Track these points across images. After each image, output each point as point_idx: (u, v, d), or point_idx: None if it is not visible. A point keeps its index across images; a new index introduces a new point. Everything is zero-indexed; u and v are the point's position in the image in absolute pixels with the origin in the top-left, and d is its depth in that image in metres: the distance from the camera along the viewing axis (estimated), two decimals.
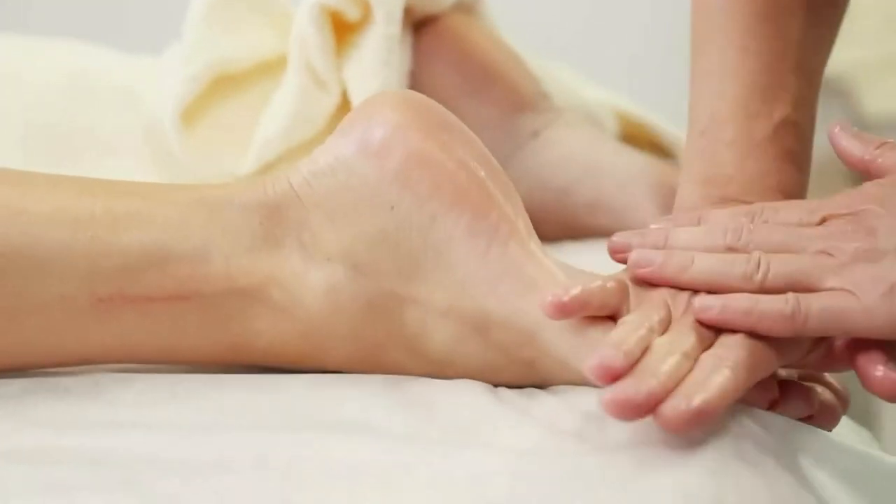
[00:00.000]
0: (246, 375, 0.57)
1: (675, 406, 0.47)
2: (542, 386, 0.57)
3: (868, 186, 0.57)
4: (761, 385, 0.53)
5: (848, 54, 2.17)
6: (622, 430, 0.50)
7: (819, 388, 0.56)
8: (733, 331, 0.52)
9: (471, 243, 0.55)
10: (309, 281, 0.56)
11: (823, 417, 0.56)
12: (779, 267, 0.54)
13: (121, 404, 0.55)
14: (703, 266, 0.55)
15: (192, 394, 0.55)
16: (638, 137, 0.90)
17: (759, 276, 0.54)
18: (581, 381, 0.54)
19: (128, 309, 0.56)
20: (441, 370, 0.57)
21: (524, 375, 0.56)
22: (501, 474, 0.47)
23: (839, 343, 0.54)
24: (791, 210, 0.57)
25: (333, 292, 0.56)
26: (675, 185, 0.75)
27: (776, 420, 0.53)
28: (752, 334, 0.52)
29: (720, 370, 0.49)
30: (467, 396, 0.54)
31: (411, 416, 0.53)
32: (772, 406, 0.54)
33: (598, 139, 0.78)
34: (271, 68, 0.75)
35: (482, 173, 0.56)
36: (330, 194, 0.56)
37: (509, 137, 0.63)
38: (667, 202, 0.75)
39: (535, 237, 0.57)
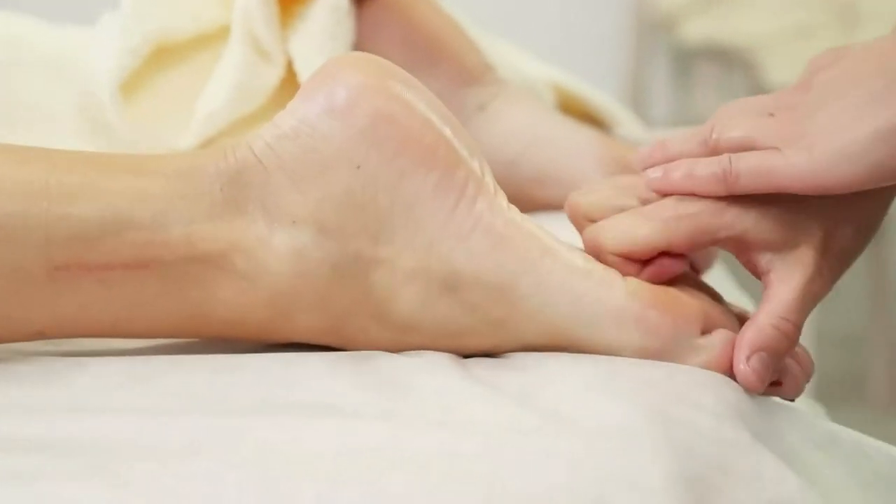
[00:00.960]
0: (203, 356, 0.56)
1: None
2: (509, 349, 0.57)
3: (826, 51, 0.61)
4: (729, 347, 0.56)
5: (751, 26, 2.21)
6: (597, 409, 0.50)
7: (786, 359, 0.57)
8: None
9: (439, 201, 0.55)
10: (274, 246, 0.55)
11: (789, 386, 0.57)
12: (729, 130, 0.59)
13: (78, 388, 0.53)
14: (678, 147, 0.61)
15: (150, 376, 0.54)
16: (573, 109, 0.90)
17: (712, 141, 0.59)
18: (551, 337, 0.56)
19: (85, 277, 0.54)
20: (407, 336, 0.56)
21: (493, 336, 0.56)
22: (482, 455, 0.46)
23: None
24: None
25: (299, 257, 0.55)
26: (619, 157, 0.75)
27: (750, 396, 0.53)
28: None
29: None
30: (437, 373, 0.54)
31: (382, 395, 0.52)
32: None
33: (543, 112, 0.78)
34: (212, 40, 0.73)
35: (448, 131, 0.56)
36: (294, 157, 0.55)
37: (456, 111, 0.62)
38: (613, 174, 0.75)
39: (503, 193, 0.57)
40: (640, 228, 0.57)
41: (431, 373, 0.54)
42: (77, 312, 0.55)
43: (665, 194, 0.59)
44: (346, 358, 0.55)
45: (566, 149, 0.75)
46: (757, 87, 2.26)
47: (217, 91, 0.71)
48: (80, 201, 0.54)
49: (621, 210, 0.60)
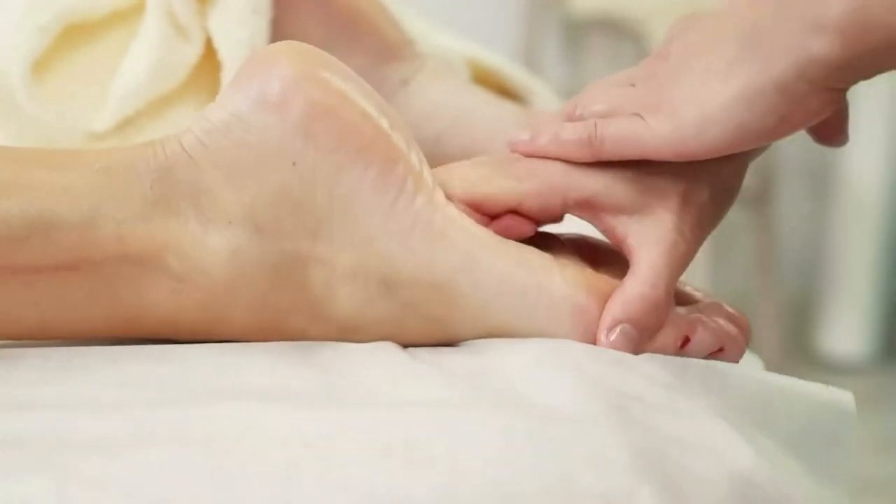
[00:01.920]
0: (139, 346, 0.54)
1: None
2: (448, 344, 0.56)
3: (680, 18, 0.61)
4: (671, 324, 0.55)
5: None
6: (551, 386, 0.49)
7: (722, 321, 0.57)
8: None
9: (377, 197, 0.53)
10: (209, 247, 0.53)
11: (731, 350, 0.56)
12: (592, 105, 0.60)
13: (15, 383, 0.51)
14: (547, 121, 0.61)
15: (89, 368, 0.52)
16: (488, 83, 0.89)
17: (576, 114, 0.60)
18: (490, 331, 0.55)
19: (11, 280, 0.52)
20: (346, 335, 0.55)
21: (432, 333, 0.55)
22: (441, 437, 0.46)
23: None
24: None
25: (236, 257, 0.53)
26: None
27: (690, 363, 0.53)
28: None
29: None
30: (383, 357, 0.53)
31: (330, 380, 0.51)
32: (683, 344, 0.55)
33: (465, 87, 0.77)
34: (126, 17, 0.71)
35: (385, 123, 0.54)
36: (227, 152, 0.53)
37: (379, 87, 0.61)
38: None
39: (440, 188, 0.56)
40: (492, 181, 0.57)
41: (377, 357, 0.53)
42: (1, 316, 0.53)
43: (533, 157, 0.59)
44: (288, 346, 0.54)
45: (492, 124, 0.74)
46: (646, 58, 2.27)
47: (133, 69, 0.69)
48: (4, 199, 0.51)
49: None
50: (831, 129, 0.60)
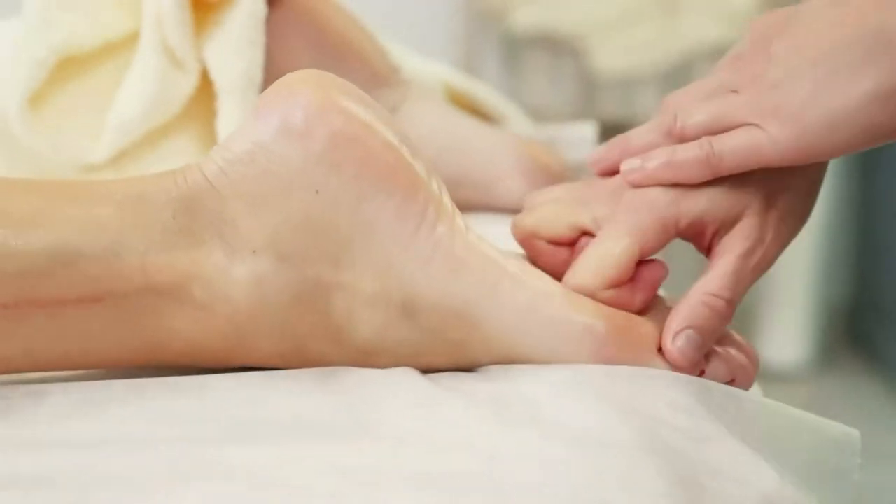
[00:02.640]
0: (162, 379, 0.54)
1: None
2: (467, 368, 0.56)
3: (766, 17, 0.60)
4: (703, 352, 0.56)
5: (578, 14, 2.26)
6: (578, 414, 0.50)
7: (733, 352, 0.58)
8: None
9: (399, 225, 0.54)
10: (233, 276, 0.53)
11: (742, 380, 0.57)
12: (694, 116, 0.59)
13: (38, 422, 0.51)
14: (640, 140, 0.61)
15: (114, 402, 0.52)
16: (461, 105, 0.90)
17: (678, 130, 0.59)
18: (508, 358, 0.55)
19: (35, 314, 0.52)
20: (367, 359, 0.55)
21: (451, 357, 0.56)
22: (478, 469, 0.46)
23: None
24: (724, 61, 0.62)
25: (260, 285, 0.53)
26: (535, 157, 0.76)
27: (711, 387, 0.55)
28: None
29: None
30: (402, 383, 0.53)
31: (355, 411, 0.51)
32: (700, 375, 0.56)
33: (453, 114, 0.78)
34: (118, 48, 0.71)
35: (406, 152, 0.55)
36: (249, 182, 0.53)
37: None
38: (531, 174, 0.76)
39: (459, 214, 0.56)
40: (615, 247, 0.57)
41: (400, 384, 0.53)
42: (24, 350, 0.53)
43: (644, 186, 0.58)
44: (309, 374, 0.54)
45: (483, 150, 0.75)
46: (585, 74, 2.31)
47: (130, 101, 0.69)
48: (27, 233, 0.51)
49: (576, 226, 0.59)
50: None
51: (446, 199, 0.56)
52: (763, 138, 0.56)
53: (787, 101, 0.56)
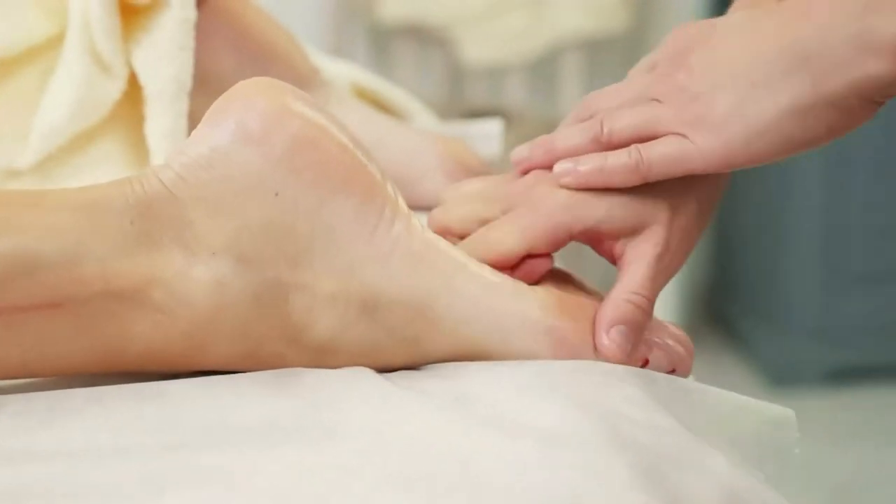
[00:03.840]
0: (123, 386, 0.54)
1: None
2: (423, 364, 0.58)
3: (682, 29, 0.63)
4: (635, 346, 0.58)
5: (447, 5, 2.27)
6: (539, 410, 0.52)
7: (671, 342, 0.61)
8: None
9: (358, 226, 0.55)
10: (194, 279, 0.54)
11: (682, 370, 0.60)
12: (619, 122, 0.61)
13: (2, 433, 0.51)
14: (566, 144, 0.62)
15: (75, 412, 0.52)
16: (372, 105, 0.91)
17: (605, 136, 0.61)
18: (465, 351, 0.57)
19: None
20: (323, 359, 0.56)
21: (407, 354, 0.57)
22: (454, 464, 0.47)
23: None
24: (640, 67, 0.65)
25: (220, 288, 0.54)
26: (456, 155, 0.77)
27: (657, 379, 0.57)
28: None
29: None
30: (361, 384, 0.54)
31: (320, 412, 0.52)
32: (643, 366, 0.59)
33: (374, 113, 0.79)
34: (41, 52, 0.70)
35: (361, 155, 0.56)
36: (208, 186, 0.54)
37: None
38: (452, 171, 0.77)
39: (414, 213, 0.58)
40: (504, 240, 0.60)
41: (359, 385, 0.54)
42: None
43: (577, 189, 0.61)
44: (268, 376, 0.55)
45: (404, 149, 0.76)
46: (453, 64, 2.33)
47: (56, 105, 0.68)
48: None
49: (486, 221, 0.62)
50: None
51: (401, 199, 0.57)
52: (690, 147, 0.59)
53: (709, 112, 0.59)
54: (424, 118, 0.94)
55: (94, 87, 0.69)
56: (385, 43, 2.36)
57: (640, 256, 0.60)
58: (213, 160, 0.54)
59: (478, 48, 2.28)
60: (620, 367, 0.57)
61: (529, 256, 0.60)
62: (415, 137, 0.77)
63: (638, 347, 0.58)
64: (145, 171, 0.55)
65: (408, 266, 0.56)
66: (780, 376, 2.26)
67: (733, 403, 0.58)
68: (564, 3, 2.22)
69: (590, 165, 0.61)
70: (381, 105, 0.92)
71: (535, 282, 0.61)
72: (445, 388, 0.55)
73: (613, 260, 0.61)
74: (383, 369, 0.57)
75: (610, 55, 2.33)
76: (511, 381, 0.54)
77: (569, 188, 0.61)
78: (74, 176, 0.69)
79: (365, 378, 0.55)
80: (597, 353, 0.58)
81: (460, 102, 2.30)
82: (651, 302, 0.60)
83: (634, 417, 0.52)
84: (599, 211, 0.60)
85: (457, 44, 2.30)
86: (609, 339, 0.57)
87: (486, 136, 0.92)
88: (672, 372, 0.60)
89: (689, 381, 0.58)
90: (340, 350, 0.56)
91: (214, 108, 0.56)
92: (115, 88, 0.70)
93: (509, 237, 0.60)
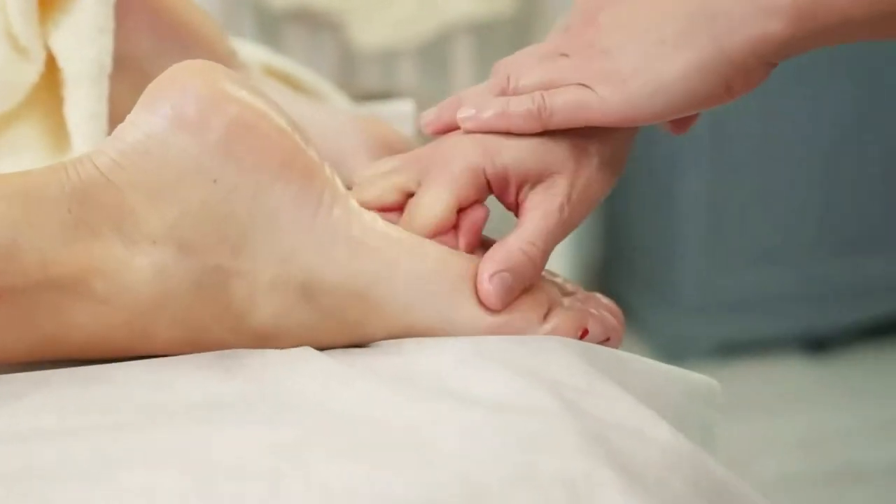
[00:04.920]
0: (66, 369, 0.54)
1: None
2: (362, 344, 0.58)
3: None
4: (572, 315, 0.59)
5: None
6: (483, 381, 0.53)
7: (605, 314, 0.62)
8: None
9: (298, 211, 0.55)
10: (134, 267, 0.53)
11: (615, 340, 0.61)
12: (526, 78, 0.62)
13: None
14: (471, 101, 0.63)
15: (17, 396, 0.52)
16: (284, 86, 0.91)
17: (511, 91, 0.62)
18: (405, 332, 0.58)
19: None
20: (265, 343, 0.56)
21: (347, 336, 0.57)
22: (401, 435, 0.48)
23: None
24: (555, 29, 0.66)
25: (161, 275, 0.53)
26: (380, 135, 0.78)
27: (596, 350, 0.58)
28: None
29: None
30: (304, 362, 0.55)
31: (264, 390, 0.52)
32: (583, 335, 0.59)
33: (294, 94, 0.78)
34: None
35: (299, 138, 0.56)
36: (146, 174, 0.53)
37: None
38: (376, 150, 0.78)
39: (351, 195, 0.58)
40: (434, 203, 0.60)
41: (302, 363, 0.54)
42: None
43: (477, 133, 0.61)
44: (211, 358, 0.55)
45: (328, 129, 0.76)
46: (344, 49, 2.32)
47: None
48: None
49: (402, 189, 0.62)
50: (687, 120, 0.67)
51: (338, 181, 0.57)
52: (592, 98, 0.60)
53: (615, 66, 0.60)
54: (337, 99, 0.93)
55: (10, 71, 0.67)
56: (274, 28, 2.35)
57: (540, 205, 0.60)
58: (150, 146, 0.53)
59: (368, 33, 2.28)
60: (556, 339, 0.58)
61: (462, 211, 0.60)
62: (339, 118, 0.77)
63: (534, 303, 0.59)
64: (80, 157, 0.54)
65: (347, 252, 0.56)
66: (670, 350, 2.31)
67: (662, 373, 0.59)
68: None
69: (492, 111, 0.61)
70: (294, 87, 0.92)
71: (479, 234, 0.61)
72: (388, 364, 0.55)
73: (515, 208, 0.62)
74: (321, 348, 0.57)
75: (499, 38, 2.34)
76: (452, 354, 0.55)
77: (470, 132, 0.62)
78: None
79: (307, 357, 0.55)
80: (546, 321, 0.59)
81: (352, 87, 2.29)
82: (544, 254, 0.60)
83: (577, 385, 0.53)
84: (509, 152, 0.61)
85: (347, 28, 2.29)
86: (490, 284, 0.57)
87: (399, 116, 0.92)
88: (606, 342, 0.61)
89: (622, 352, 0.59)
90: (282, 334, 0.56)
91: (149, 91, 0.55)
92: (32, 71, 0.68)
93: (437, 199, 0.60)
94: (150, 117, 0.54)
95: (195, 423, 0.50)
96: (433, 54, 2.34)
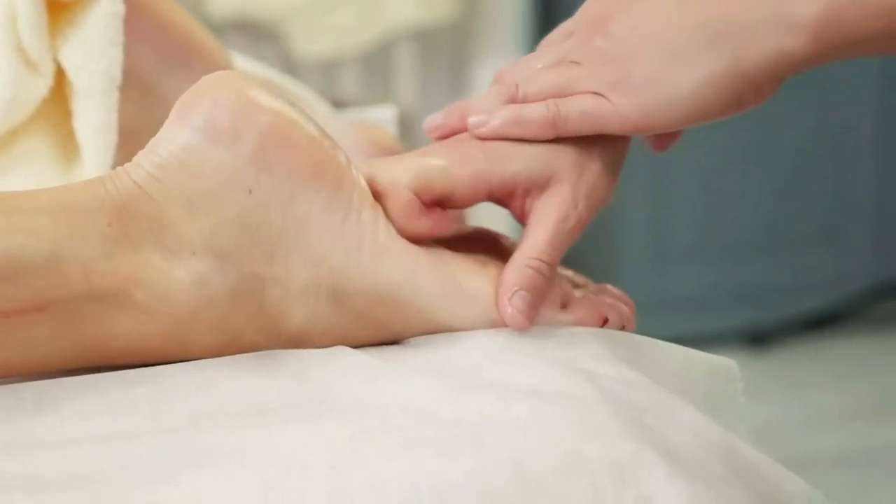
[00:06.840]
0: (111, 374, 0.55)
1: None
2: (388, 342, 0.60)
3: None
4: (591, 307, 0.61)
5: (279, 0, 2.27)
6: (518, 373, 0.54)
7: (619, 304, 0.63)
8: None
9: (328, 217, 0.56)
10: (175, 278, 0.54)
11: (629, 327, 0.63)
12: (535, 86, 0.63)
13: None
14: (480, 108, 0.63)
15: (67, 400, 0.53)
16: None
17: (520, 98, 0.62)
18: (429, 331, 0.59)
19: None
20: (296, 344, 0.58)
21: (376, 335, 0.59)
22: (454, 426, 0.49)
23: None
24: (553, 36, 0.66)
25: (200, 285, 0.55)
26: (376, 139, 0.79)
27: (616, 337, 0.60)
28: None
29: None
30: (341, 360, 0.56)
31: (311, 391, 0.53)
32: (603, 325, 0.61)
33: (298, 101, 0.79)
34: None
35: (328, 144, 0.57)
36: (183, 186, 0.54)
37: None
38: (375, 153, 0.79)
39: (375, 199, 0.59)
40: (428, 160, 0.60)
41: (341, 361, 0.56)
42: None
43: (492, 139, 0.62)
44: (251, 359, 0.56)
45: (332, 132, 0.77)
46: (286, 58, 2.33)
47: None
48: None
49: None
50: (671, 136, 0.68)
51: (364, 184, 0.58)
52: (607, 106, 0.61)
53: (630, 75, 0.61)
54: (320, 108, 0.95)
55: (21, 85, 0.68)
56: (216, 37, 2.34)
57: (544, 215, 0.61)
58: (185, 159, 0.55)
59: (310, 42, 2.29)
60: (580, 328, 0.60)
61: (444, 206, 0.61)
62: (339, 122, 0.78)
63: (543, 311, 0.60)
64: (117, 171, 0.55)
65: (375, 256, 0.57)
66: None
67: (681, 356, 0.61)
68: None
69: (505, 117, 0.62)
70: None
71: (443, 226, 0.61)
72: (422, 358, 0.57)
73: (522, 219, 0.63)
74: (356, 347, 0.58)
75: (441, 45, 2.36)
76: (484, 347, 0.57)
77: (481, 139, 0.62)
78: (3, 174, 0.68)
79: (344, 354, 0.57)
80: (565, 313, 0.60)
81: None
82: (554, 263, 0.61)
83: (606, 373, 0.55)
84: (518, 161, 0.61)
85: (288, 38, 2.30)
86: (512, 307, 0.59)
87: (380, 122, 0.94)
88: (623, 329, 0.63)
89: (641, 337, 0.61)
90: (313, 336, 0.58)
91: (181, 104, 0.56)
92: (42, 85, 0.69)
93: (436, 160, 0.60)
94: (183, 130, 0.55)
95: (245, 424, 0.51)
96: (375, 62, 2.36)
